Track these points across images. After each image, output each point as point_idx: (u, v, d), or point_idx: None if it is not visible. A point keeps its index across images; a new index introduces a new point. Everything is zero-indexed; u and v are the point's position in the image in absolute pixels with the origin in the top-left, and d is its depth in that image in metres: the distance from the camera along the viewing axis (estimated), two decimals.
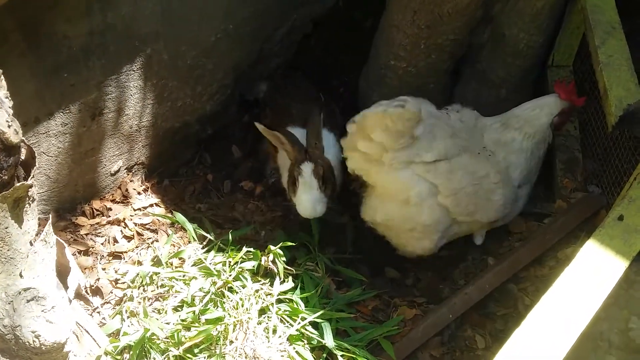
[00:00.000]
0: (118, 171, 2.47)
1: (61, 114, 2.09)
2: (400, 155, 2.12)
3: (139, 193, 2.54)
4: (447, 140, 2.18)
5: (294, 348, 1.99)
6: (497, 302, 2.35)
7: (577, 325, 1.51)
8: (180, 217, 2.35)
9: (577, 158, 2.62)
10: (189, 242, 2.32)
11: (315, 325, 2.07)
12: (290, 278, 2.18)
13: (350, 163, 2.22)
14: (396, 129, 2.06)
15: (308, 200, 2.27)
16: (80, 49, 2.01)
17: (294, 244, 2.21)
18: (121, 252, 2.31)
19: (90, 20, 1.98)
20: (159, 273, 2.12)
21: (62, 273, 1.65)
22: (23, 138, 1.34)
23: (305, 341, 2.03)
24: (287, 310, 2.09)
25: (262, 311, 2.07)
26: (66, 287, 1.63)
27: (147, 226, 2.42)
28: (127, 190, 2.52)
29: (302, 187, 2.27)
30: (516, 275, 2.36)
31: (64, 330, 1.48)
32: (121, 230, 2.38)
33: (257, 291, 2.11)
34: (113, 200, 2.48)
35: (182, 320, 1.99)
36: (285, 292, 2.13)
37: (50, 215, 1.56)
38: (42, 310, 1.45)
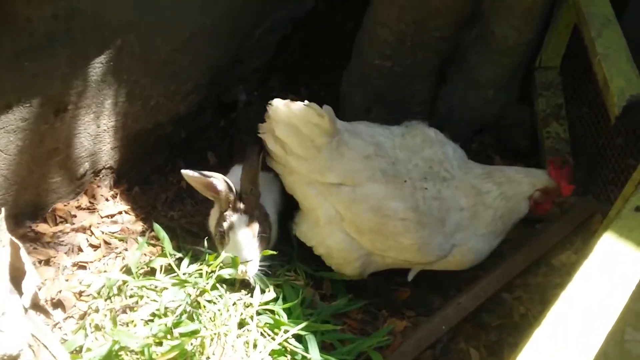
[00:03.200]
0: (84, 175, 2.28)
1: (21, 107, 1.90)
2: (302, 167, 1.96)
3: (107, 199, 2.36)
4: (357, 162, 1.97)
5: None
6: (490, 312, 2.22)
7: (603, 324, 1.37)
8: (156, 226, 2.15)
9: (568, 161, 2.54)
10: (162, 251, 2.14)
11: (299, 338, 1.91)
12: (271, 288, 2.02)
13: (269, 162, 2.07)
14: (300, 131, 1.92)
15: (239, 256, 1.97)
16: (43, 35, 1.84)
17: (275, 253, 2.04)
18: (86, 262, 2.11)
19: (55, 3, 1.81)
20: (128, 282, 1.94)
21: (17, 278, 1.46)
22: None
23: (289, 356, 1.86)
24: (268, 323, 1.92)
25: (242, 323, 1.89)
26: (21, 293, 1.44)
27: (115, 234, 2.23)
28: (94, 196, 2.33)
29: (232, 244, 1.97)
30: (509, 284, 2.24)
31: (16, 340, 1.29)
32: (87, 239, 2.19)
33: (235, 302, 1.93)
34: (78, 207, 2.28)
35: (154, 335, 1.80)
36: (266, 303, 1.96)
37: (2, 210, 1.36)
38: None
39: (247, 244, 1.97)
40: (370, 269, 2.16)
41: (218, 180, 1.97)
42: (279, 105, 1.94)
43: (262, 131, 2.02)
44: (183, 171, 1.96)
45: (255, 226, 1.99)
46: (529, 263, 2.24)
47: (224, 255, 1.95)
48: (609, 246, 1.51)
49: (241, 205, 1.99)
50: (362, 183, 1.97)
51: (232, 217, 1.98)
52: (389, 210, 1.98)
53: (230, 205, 1.99)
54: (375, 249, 2.06)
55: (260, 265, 2.01)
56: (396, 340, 2.07)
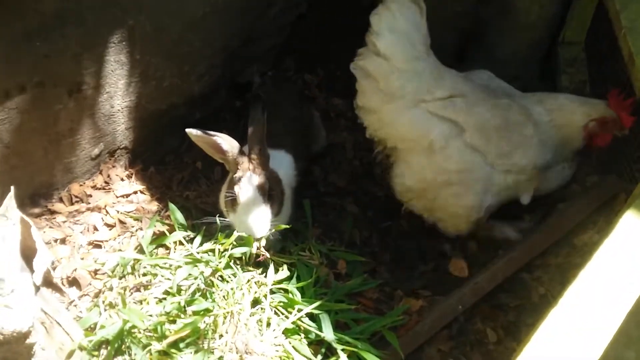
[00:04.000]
0: (99, 155, 2.29)
1: (34, 87, 1.91)
2: (407, 86, 1.96)
3: (122, 179, 2.37)
4: (456, 78, 2.03)
5: (290, 342, 1.82)
6: (508, 292, 2.17)
7: (623, 304, 1.32)
8: (171, 205, 2.14)
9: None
10: (176, 230, 2.14)
11: (312, 317, 1.89)
12: (284, 267, 2.00)
13: (360, 99, 2.05)
14: (403, 34, 1.97)
15: (251, 220, 1.90)
16: (54, 15, 1.84)
17: (288, 227, 2.02)
18: (101, 241, 2.13)
19: None
20: (141, 260, 1.94)
21: (28, 256, 1.47)
22: None
23: (302, 335, 1.86)
24: (282, 301, 1.91)
25: (255, 302, 1.89)
26: (32, 271, 1.45)
27: (130, 214, 2.24)
28: (109, 176, 2.34)
29: (243, 205, 1.91)
30: (529, 264, 2.19)
31: (26, 317, 1.30)
32: (102, 218, 2.20)
33: (249, 281, 1.93)
34: (94, 187, 2.30)
35: (166, 312, 1.81)
36: (279, 282, 1.95)
37: (12, 188, 1.37)
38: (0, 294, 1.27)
39: (256, 203, 1.91)
40: (489, 200, 2.08)
41: (223, 139, 1.94)
42: (379, 10, 1.99)
43: (359, 59, 2.04)
44: (188, 130, 1.93)
45: (265, 186, 1.93)
46: (550, 243, 2.18)
47: (236, 234, 1.93)
48: (631, 224, 1.45)
49: (250, 166, 1.94)
50: (469, 94, 2.01)
51: (240, 178, 1.92)
52: (505, 104, 2.03)
53: (239, 167, 1.95)
54: (500, 155, 2.02)
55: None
56: (412, 319, 2.04)
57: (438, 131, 1.98)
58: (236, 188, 1.92)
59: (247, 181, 1.92)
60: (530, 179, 2.10)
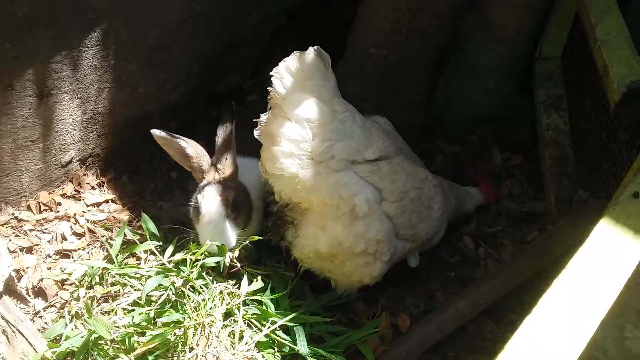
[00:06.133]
0: (70, 162, 2.23)
1: (2, 90, 1.86)
2: (338, 149, 1.73)
3: (93, 188, 2.31)
4: (383, 137, 1.88)
5: (263, 356, 1.77)
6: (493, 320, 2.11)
7: (596, 312, 1.30)
8: (143, 215, 2.08)
9: (569, 155, 2.46)
10: (148, 240, 2.08)
11: (287, 330, 1.85)
12: (259, 278, 1.96)
13: (269, 166, 1.76)
14: (312, 96, 1.69)
15: (211, 232, 1.86)
16: (25, 17, 1.79)
17: (261, 238, 1.97)
18: (70, 251, 2.07)
19: None
20: (110, 269, 1.88)
21: None
22: None
23: (276, 348, 1.81)
24: (255, 314, 1.86)
25: (227, 314, 1.83)
26: None
27: (101, 223, 2.18)
28: (79, 184, 2.28)
29: (205, 215, 1.86)
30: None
31: None
32: (71, 227, 2.14)
33: (221, 292, 1.87)
34: (63, 195, 2.24)
35: (135, 324, 1.74)
36: (253, 293, 1.90)
37: None
38: None
39: (218, 215, 1.86)
40: (389, 266, 2.01)
41: (188, 143, 1.90)
42: (280, 72, 1.70)
43: (266, 125, 1.73)
44: (153, 131, 1.88)
45: (229, 197, 1.88)
46: (537, 269, 2.08)
47: (209, 243, 1.88)
48: (605, 232, 1.44)
49: (216, 175, 1.91)
50: (392, 156, 1.90)
51: (205, 187, 1.89)
52: (420, 174, 1.98)
53: (205, 176, 1.91)
54: (407, 226, 1.93)
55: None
56: (389, 333, 2.01)
57: (363, 196, 1.79)
58: (199, 197, 1.89)
59: (211, 191, 1.88)
60: (420, 245, 2.08)
